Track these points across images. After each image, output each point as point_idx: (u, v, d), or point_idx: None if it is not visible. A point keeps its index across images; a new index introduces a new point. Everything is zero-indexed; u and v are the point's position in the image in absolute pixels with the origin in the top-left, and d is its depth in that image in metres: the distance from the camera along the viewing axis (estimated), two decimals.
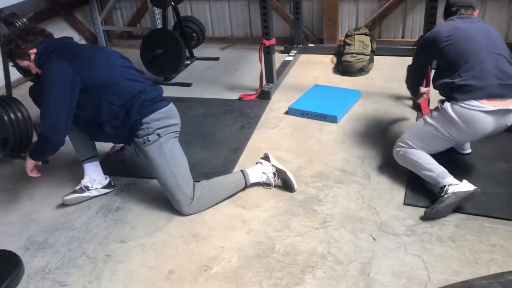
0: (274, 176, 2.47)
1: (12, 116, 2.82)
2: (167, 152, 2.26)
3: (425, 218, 2.18)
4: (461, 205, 2.18)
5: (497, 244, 2.00)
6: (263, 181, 2.48)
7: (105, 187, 2.54)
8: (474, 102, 2.16)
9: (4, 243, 2.27)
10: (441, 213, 2.15)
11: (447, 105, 2.24)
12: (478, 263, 1.91)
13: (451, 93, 2.25)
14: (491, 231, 2.07)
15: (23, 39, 2.24)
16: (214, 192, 2.39)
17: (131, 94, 2.25)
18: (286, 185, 2.47)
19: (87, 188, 2.50)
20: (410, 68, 2.71)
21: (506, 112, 2.19)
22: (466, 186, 2.16)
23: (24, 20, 2.91)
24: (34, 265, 2.13)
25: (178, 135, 2.38)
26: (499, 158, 2.57)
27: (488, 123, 2.19)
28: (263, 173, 2.47)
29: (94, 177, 2.53)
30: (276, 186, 2.48)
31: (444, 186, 2.18)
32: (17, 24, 2.86)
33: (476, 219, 2.15)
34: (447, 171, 2.24)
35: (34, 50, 2.25)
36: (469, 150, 2.62)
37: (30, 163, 2.37)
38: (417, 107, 3.17)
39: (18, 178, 2.82)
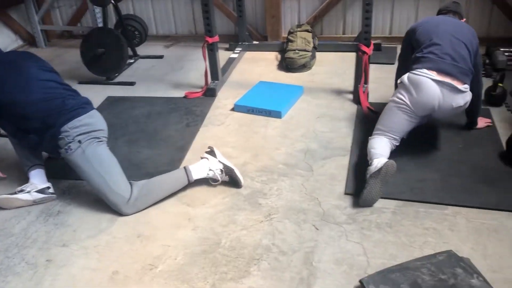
0: (222, 173, 2.47)
1: None
2: (91, 157, 2.28)
3: (360, 206, 2.26)
4: (389, 184, 2.27)
5: (430, 228, 2.11)
6: (209, 177, 2.48)
7: (38, 191, 2.43)
8: (425, 70, 2.40)
9: None
10: (369, 198, 2.24)
11: (405, 75, 2.46)
12: (413, 246, 2.01)
13: (411, 65, 2.49)
14: (426, 216, 2.18)
15: None
16: (154, 191, 2.37)
17: (48, 106, 2.28)
18: (233, 181, 2.49)
19: (21, 191, 2.41)
20: (398, 58, 2.95)
21: (452, 89, 2.38)
22: (377, 163, 2.28)
23: None
24: None
25: (104, 140, 2.39)
26: (434, 146, 2.70)
27: (435, 92, 2.37)
28: (210, 169, 2.46)
29: (33, 181, 2.45)
30: (222, 182, 2.50)
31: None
32: None
33: (412, 205, 2.26)
34: (380, 154, 2.36)
35: None
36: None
37: None
38: (357, 101, 3.28)
39: None
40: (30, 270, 2.04)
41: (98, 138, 2.34)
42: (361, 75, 3.23)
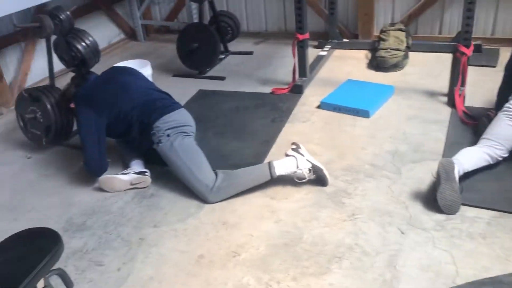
0: (309, 172, 2.46)
1: (55, 105, 2.95)
2: (179, 149, 2.47)
3: (444, 213, 2.17)
4: (481, 192, 2.21)
5: None
6: (296, 175, 2.47)
7: (136, 173, 2.63)
8: None
9: (45, 224, 2.38)
10: (445, 203, 2.15)
11: None
12: (509, 260, 1.89)
13: None
14: None
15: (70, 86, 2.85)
16: (236, 183, 2.45)
17: (145, 109, 2.58)
18: (319, 179, 2.49)
19: (121, 174, 2.63)
20: (506, 67, 2.81)
21: None
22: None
23: (68, 13, 3.03)
24: (72, 245, 2.25)
25: (191, 134, 2.59)
26: None
27: None
28: (298, 168, 2.44)
29: (133, 167, 2.67)
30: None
31: None
32: (61, 17, 2.99)
33: (510, 216, 2.12)
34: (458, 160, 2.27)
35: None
36: None
37: None
38: (451, 104, 3.12)
39: (59, 164, 2.97)
40: (125, 246, 2.20)
41: (185, 132, 2.55)
42: (458, 77, 3.07)
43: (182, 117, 2.63)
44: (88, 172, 2.68)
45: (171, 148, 2.48)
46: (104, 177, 2.61)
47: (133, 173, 2.61)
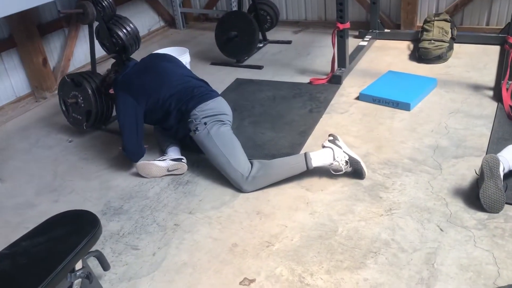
0: (346, 164, 2.41)
1: (96, 90, 3.02)
2: (215, 137, 2.47)
3: (486, 211, 2.10)
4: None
5: None
6: (332, 167, 2.44)
7: (173, 159, 2.66)
8: None
9: (84, 207, 2.46)
10: (489, 201, 2.07)
11: None
12: None
13: None
14: None
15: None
16: (272, 172, 2.43)
17: (183, 96, 2.59)
18: (356, 172, 2.45)
19: (158, 160, 2.66)
20: None
21: None
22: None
23: (110, 0, 3.08)
24: (109, 228, 2.30)
25: (227, 123, 2.58)
26: None
27: None
28: (335, 160, 2.40)
29: (170, 154, 2.70)
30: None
31: None
32: (103, 4, 3.04)
33: None
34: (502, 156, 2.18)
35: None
36: None
37: None
38: (498, 98, 2.99)
39: (99, 149, 3.04)
40: (160, 232, 2.23)
41: (222, 120, 2.54)
42: (505, 70, 2.94)
43: (219, 105, 2.63)
44: (126, 157, 2.72)
45: (208, 136, 2.49)
46: (141, 162, 2.65)
47: (170, 159, 2.64)
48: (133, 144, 2.64)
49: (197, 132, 2.52)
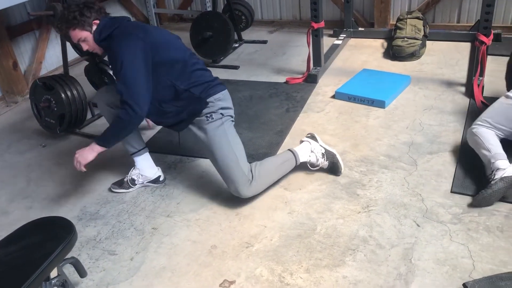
0: (323, 157, 2.43)
1: (69, 93, 2.96)
2: (228, 132, 2.27)
3: (472, 205, 2.12)
4: (509, 193, 2.10)
5: None
6: (310, 160, 2.44)
7: (151, 181, 2.53)
8: None
9: (59, 213, 2.41)
10: (488, 199, 2.09)
11: None
12: None
13: None
14: None
15: (87, 8, 2.19)
16: (270, 172, 2.35)
17: (194, 77, 2.26)
18: (332, 168, 2.46)
19: (133, 182, 2.51)
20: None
21: None
22: (509, 168, 2.10)
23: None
24: (86, 234, 2.26)
25: (233, 120, 2.39)
26: None
27: None
28: (312, 151, 2.42)
29: (143, 171, 2.50)
30: (320, 169, 2.48)
31: (493, 171, 2.12)
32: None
33: None
34: (504, 155, 2.18)
35: (96, 21, 2.20)
36: None
37: (92, 155, 2.25)
38: (470, 94, 3.05)
39: (73, 153, 2.96)
40: (138, 236, 2.20)
41: (232, 117, 2.36)
42: (476, 66, 3.00)
43: (229, 98, 2.38)
44: (129, 110, 2.10)
45: (221, 128, 2.25)
46: (118, 190, 2.52)
47: (148, 182, 2.52)
48: (141, 86, 2.11)
49: (209, 120, 2.24)
